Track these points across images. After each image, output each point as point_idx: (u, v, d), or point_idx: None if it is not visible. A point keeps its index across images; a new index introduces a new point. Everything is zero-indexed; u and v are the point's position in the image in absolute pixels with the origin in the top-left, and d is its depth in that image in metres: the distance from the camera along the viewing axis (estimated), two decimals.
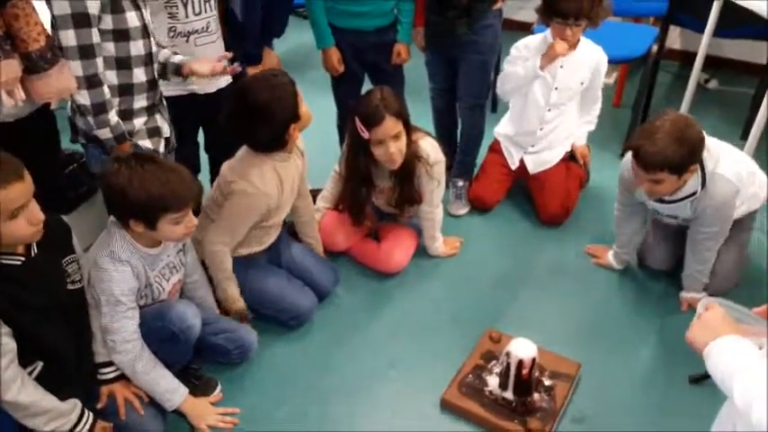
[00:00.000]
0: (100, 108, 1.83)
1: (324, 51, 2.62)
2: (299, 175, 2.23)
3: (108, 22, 1.79)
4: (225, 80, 2.35)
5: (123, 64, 1.88)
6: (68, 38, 1.74)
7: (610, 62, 2.70)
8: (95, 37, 1.77)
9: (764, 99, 2.67)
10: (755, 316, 1.29)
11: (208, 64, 2.10)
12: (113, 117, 1.87)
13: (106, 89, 1.83)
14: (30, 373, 1.62)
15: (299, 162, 2.22)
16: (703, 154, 1.98)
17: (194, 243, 2.10)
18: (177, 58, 2.09)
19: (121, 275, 1.76)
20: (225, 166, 2.16)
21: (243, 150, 2.12)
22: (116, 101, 1.90)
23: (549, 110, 2.69)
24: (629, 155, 2.14)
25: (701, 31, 3.16)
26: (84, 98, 1.81)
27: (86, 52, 1.76)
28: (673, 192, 2.06)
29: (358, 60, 2.66)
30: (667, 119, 1.93)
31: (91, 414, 1.73)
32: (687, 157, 1.92)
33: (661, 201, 2.15)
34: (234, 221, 2.09)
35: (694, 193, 2.07)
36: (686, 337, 1.26)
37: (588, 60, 2.62)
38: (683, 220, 2.22)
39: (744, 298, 1.49)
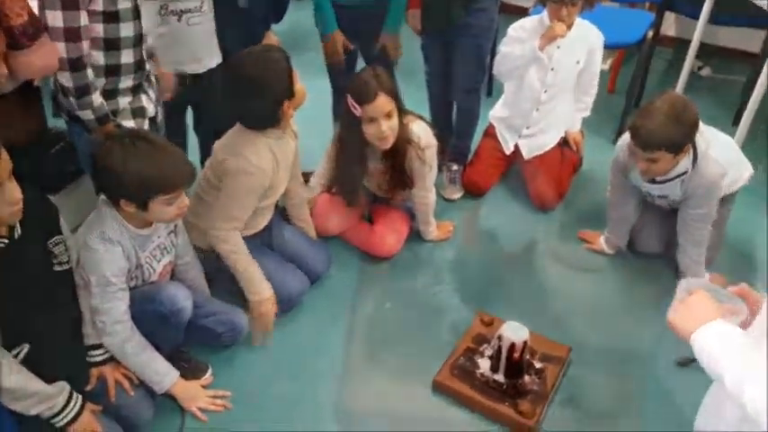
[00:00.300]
0: (82, 90, 1.80)
1: (328, 36, 2.59)
2: (292, 155, 2.21)
3: (99, 3, 1.76)
4: (215, 60, 2.33)
5: (112, 45, 1.84)
6: (55, 18, 1.70)
7: (605, 48, 2.69)
8: (83, 20, 1.73)
9: (756, 86, 2.67)
10: (733, 295, 1.29)
11: (167, 84, 2.15)
12: (97, 99, 1.84)
13: (90, 72, 1.80)
14: (15, 356, 1.59)
15: (293, 143, 2.21)
16: (696, 135, 2.02)
17: (187, 227, 2.08)
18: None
19: (112, 256, 1.74)
20: (217, 145, 2.13)
21: (235, 128, 2.10)
22: (102, 81, 1.87)
23: (546, 91, 2.68)
24: (623, 138, 2.17)
25: (697, 17, 3.15)
26: (66, 80, 1.78)
27: (72, 35, 1.73)
28: (666, 172, 2.09)
29: (352, 35, 2.63)
30: (666, 99, 1.98)
31: (79, 397, 1.71)
32: (684, 136, 1.97)
33: (653, 181, 2.17)
34: (235, 203, 2.06)
35: (685, 173, 2.10)
36: (668, 321, 1.26)
37: (584, 40, 2.60)
38: (672, 201, 2.24)
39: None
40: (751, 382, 1.07)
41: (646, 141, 1.97)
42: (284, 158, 2.13)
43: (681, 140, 1.97)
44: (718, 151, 2.11)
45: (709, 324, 1.16)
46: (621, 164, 2.26)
